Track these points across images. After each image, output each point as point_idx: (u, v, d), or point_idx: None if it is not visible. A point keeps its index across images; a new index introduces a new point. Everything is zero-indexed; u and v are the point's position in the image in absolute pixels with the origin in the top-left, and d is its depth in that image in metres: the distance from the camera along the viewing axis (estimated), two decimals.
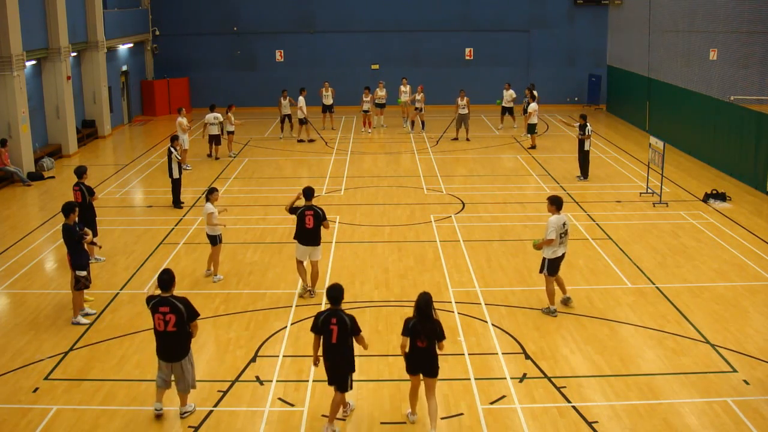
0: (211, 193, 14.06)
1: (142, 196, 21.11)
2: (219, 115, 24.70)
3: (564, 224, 12.13)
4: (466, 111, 26.73)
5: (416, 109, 28.61)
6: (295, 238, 13.26)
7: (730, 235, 16.51)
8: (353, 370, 9.20)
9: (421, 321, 8.89)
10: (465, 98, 26.63)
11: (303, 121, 27.22)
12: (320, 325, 9.03)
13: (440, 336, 8.93)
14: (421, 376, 9.12)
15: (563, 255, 12.27)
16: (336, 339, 8.96)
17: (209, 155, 25.09)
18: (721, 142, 22.48)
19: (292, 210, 13.19)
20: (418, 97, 28.33)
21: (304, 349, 11.25)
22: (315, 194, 13.37)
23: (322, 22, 34.81)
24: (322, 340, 9.10)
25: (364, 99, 28.71)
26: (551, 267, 12.25)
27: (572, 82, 35.16)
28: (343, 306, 9.24)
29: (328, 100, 29.30)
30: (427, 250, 15.67)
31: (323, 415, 9.46)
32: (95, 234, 15.16)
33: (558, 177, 21.85)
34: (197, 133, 26.33)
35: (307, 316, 12.46)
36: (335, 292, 9.12)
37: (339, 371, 9.09)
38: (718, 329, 11.87)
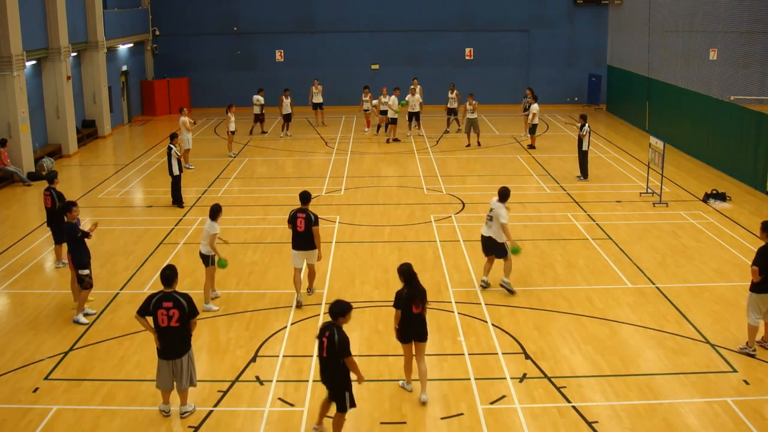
0: (218, 212, 12.61)
1: (142, 195, 21.11)
2: (260, 98, 27.98)
3: (491, 209, 13.19)
4: (474, 115, 26.56)
5: (381, 112, 27.93)
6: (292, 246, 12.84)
7: (730, 235, 16.52)
8: (348, 389, 8.71)
9: (413, 288, 9.63)
10: (473, 102, 26.45)
11: (392, 121, 27.02)
12: (318, 334, 8.76)
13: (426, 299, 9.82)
14: (413, 343, 9.72)
15: (486, 237, 13.29)
16: (326, 353, 8.60)
17: (263, 132, 28.91)
18: (721, 142, 22.48)
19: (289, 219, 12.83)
20: (385, 99, 27.54)
21: (304, 349, 11.26)
22: (311, 198, 12.95)
23: (322, 22, 34.81)
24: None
25: (364, 99, 28.74)
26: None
27: (572, 82, 35.14)
28: None
29: (318, 98, 29.80)
30: (427, 250, 15.67)
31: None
32: (59, 242, 14.64)
33: (558, 177, 21.85)
34: (198, 132, 26.32)
35: (307, 316, 12.47)
36: (335, 308, 8.75)
37: (333, 386, 8.76)
38: (718, 329, 11.87)
